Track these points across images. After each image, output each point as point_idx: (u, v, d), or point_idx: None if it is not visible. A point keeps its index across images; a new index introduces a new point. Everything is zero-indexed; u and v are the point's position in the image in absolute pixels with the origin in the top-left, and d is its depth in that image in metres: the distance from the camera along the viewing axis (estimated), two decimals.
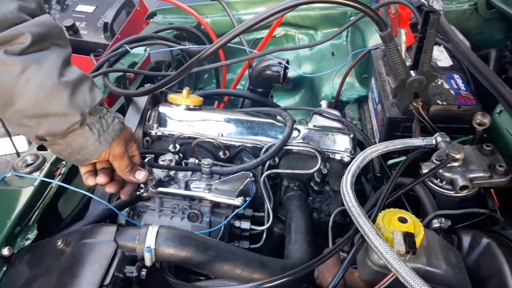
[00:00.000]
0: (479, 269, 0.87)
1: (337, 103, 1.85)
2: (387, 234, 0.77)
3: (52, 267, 0.84)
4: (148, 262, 0.81)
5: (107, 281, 0.76)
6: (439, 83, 1.35)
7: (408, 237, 0.76)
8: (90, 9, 2.22)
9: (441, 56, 1.53)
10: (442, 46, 1.57)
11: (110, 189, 0.97)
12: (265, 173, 1.20)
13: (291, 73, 2.00)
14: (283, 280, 0.73)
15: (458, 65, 1.46)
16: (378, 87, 1.46)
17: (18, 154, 2.48)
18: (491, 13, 1.94)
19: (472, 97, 1.30)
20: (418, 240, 0.77)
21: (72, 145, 0.85)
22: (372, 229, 0.76)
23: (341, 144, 1.31)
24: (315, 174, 1.24)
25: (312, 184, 1.27)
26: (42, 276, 0.83)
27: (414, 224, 0.78)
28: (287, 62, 1.63)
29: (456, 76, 1.40)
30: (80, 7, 2.23)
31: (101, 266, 0.78)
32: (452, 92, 1.32)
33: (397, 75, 1.17)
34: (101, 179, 0.95)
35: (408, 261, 0.75)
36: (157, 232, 0.82)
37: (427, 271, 0.78)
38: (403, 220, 0.79)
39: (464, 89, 1.33)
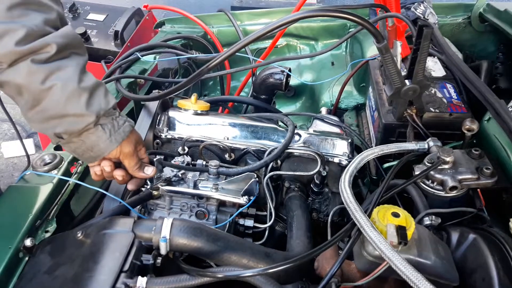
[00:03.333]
0: (466, 262, 0.94)
1: (336, 110, 1.94)
2: (381, 227, 0.85)
3: (73, 255, 0.91)
4: (163, 251, 0.88)
5: (126, 267, 0.83)
6: (433, 92, 1.44)
7: (400, 230, 0.83)
8: (101, 17, 2.31)
9: (435, 67, 1.62)
10: (436, 57, 1.66)
11: (117, 172, 1.09)
12: (268, 175, 1.27)
13: (293, 81, 2.09)
14: (285, 266, 0.81)
15: (451, 75, 1.55)
16: (375, 95, 1.54)
17: (28, 156, 2.56)
18: (484, 27, 2.04)
19: (463, 105, 1.38)
20: (409, 233, 0.84)
21: (86, 142, 0.95)
22: (368, 222, 0.83)
23: (339, 148, 1.39)
24: (314, 176, 1.31)
25: (312, 185, 1.35)
26: (65, 264, 0.90)
27: (406, 219, 0.86)
28: (289, 70, 1.72)
29: (448, 85, 1.49)
30: (92, 16, 2.32)
31: (121, 253, 0.85)
32: (445, 100, 1.40)
33: (393, 84, 1.25)
34: (107, 165, 1.06)
35: (400, 252, 0.82)
36: (172, 223, 0.90)
37: (417, 261, 0.85)
38: (396, 215, 0.86)
39: (456, 97, 1.42)
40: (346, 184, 0.95)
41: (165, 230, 0.88)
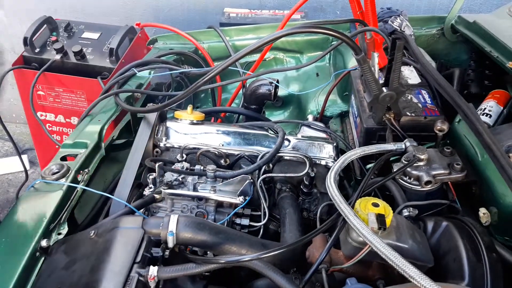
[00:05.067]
0: (439, 246, 1.06)
1: (322, 118, 2.06)
2: (363, 216, 0.96)
3: (88, 252, 1.00)
4: (170, 244, 0.98)
5: (138, 259, 0.93)
6: (409, 98, 1.57)
7: (380, 217, 0.95)
8: (95, 36, 2.41)
9: (411, 75, 1.76)
10: (412, 66, 1.80)
11: None
12: (261, 177, 1.38)
13: (281, 92, 2.20)
14: (280, 251, 0.91)
15: (426, 82, 1.69)
16: (357, 102, 1.67)
17: (25, 170, 2.63)
18: (456, 37, 2.19)
19: (436, 109, 1.52)
20: (388, 220, 0.96)
21: None
22: (351, 211, 0.95)
23: (326, 151, 1.51)
24: (304, 178, 1.43)
25: (301, 186, 1.46)
26: (80, 260, 1.00)
27: (385, 208, 0.98)
28: (277, 81, 1.84)
29: (423, 91, 1.63)
30: (86, 34, 2.42)
31: (133, 247, 0.95)
32: (420, 105, 1.54)
33: (372, 91, 1.38)
34: None
35: (380, 237, 0.94)
36: (177, 219, 1.00)
37: (396, 245, 0.96)
38: (375, 205, 0.98)
39: (430, 102, 1.55)
40: (332, 180, 1.06)
41: (172, 225, 0.98)
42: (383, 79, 1.47)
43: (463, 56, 2.21)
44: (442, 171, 1.21)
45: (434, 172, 1.21)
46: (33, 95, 2.28)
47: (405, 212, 1.16)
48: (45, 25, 2.44)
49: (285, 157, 1.48)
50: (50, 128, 2.51)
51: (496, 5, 2.80)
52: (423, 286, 0.79)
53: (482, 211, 1.16)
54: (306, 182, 1.43)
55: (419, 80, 1.71)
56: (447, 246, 1.04)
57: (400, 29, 2.06)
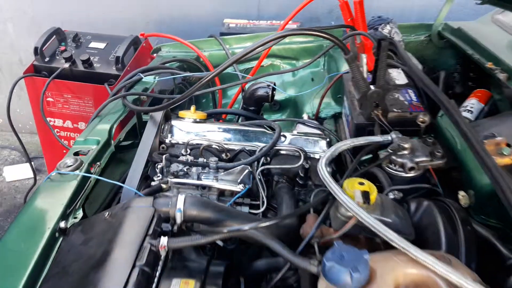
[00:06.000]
0: (421, 223, 1.16)
1: (317, 119, 2.18)
2: (350, 193, 1.07)
3: (103, 230, 1.11)
4: (178, 220, 1.09)
5: (150, 232, 1.04)
6: (396, 96, 1.70)
7: (365, 194, 1.06)
8: (101, 45, 2.55)
9: (399, 76, 1.88)
10: (400, 68, 1.93)
11: None
12: (260, 168, 1.50)
13: (278, 96, 2.33)
14: (276, 221, 1.03)
15: (412, 82, 1.81)
16: (349, 102, 1.79)
17: (34, 175, 2.74)
18: (443, 43, 2.33)
19: (421, 106, 1.64)
20: (372, 197, 1.06)
21: None
22: (340, 189, 1.06)
23: (319, 146, 1.63)
24: (299, 170, 1.54)
25: (297, 179, 1.57)
26: (97, 236, 1.11)
27: (369, 186, 1.08)
28: (274, 84, 1.97)
29: (410, 91, 1.75)
30: (93, 44, 2.57)
31: (145, 222, 1.05)
32: (406, 102, 1.66)
33: (360, 88, 1.50)
34: None
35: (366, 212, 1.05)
36: (184, 198, 1.11)
37: (380, 219, 1.06)
38: (361, 184, 1.09)
39: (415, 100, 1.68)
40: (323, 165, 1.18)
41: (179, 204, 1.10)
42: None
43: (450, 61, 2.35)
44: (425, 158, 1.32)
45: (417, 159, 1.32)
46: (43, 102, 2.40)
47: (391, 195, 1.27)
48: (54, 36, 2.59)
49: (282, 152, 1.60)
50: (58, 134, 2.63)
51: (483, 14, 2.94)
52: (402, 248, 0.90)
53: (461, 193, 1.27)
54: (301, 174, 1.55)
55: (406, 81, 1.83)
56: (427, 222, 1.14)
57: (390, 36, 2.19)
